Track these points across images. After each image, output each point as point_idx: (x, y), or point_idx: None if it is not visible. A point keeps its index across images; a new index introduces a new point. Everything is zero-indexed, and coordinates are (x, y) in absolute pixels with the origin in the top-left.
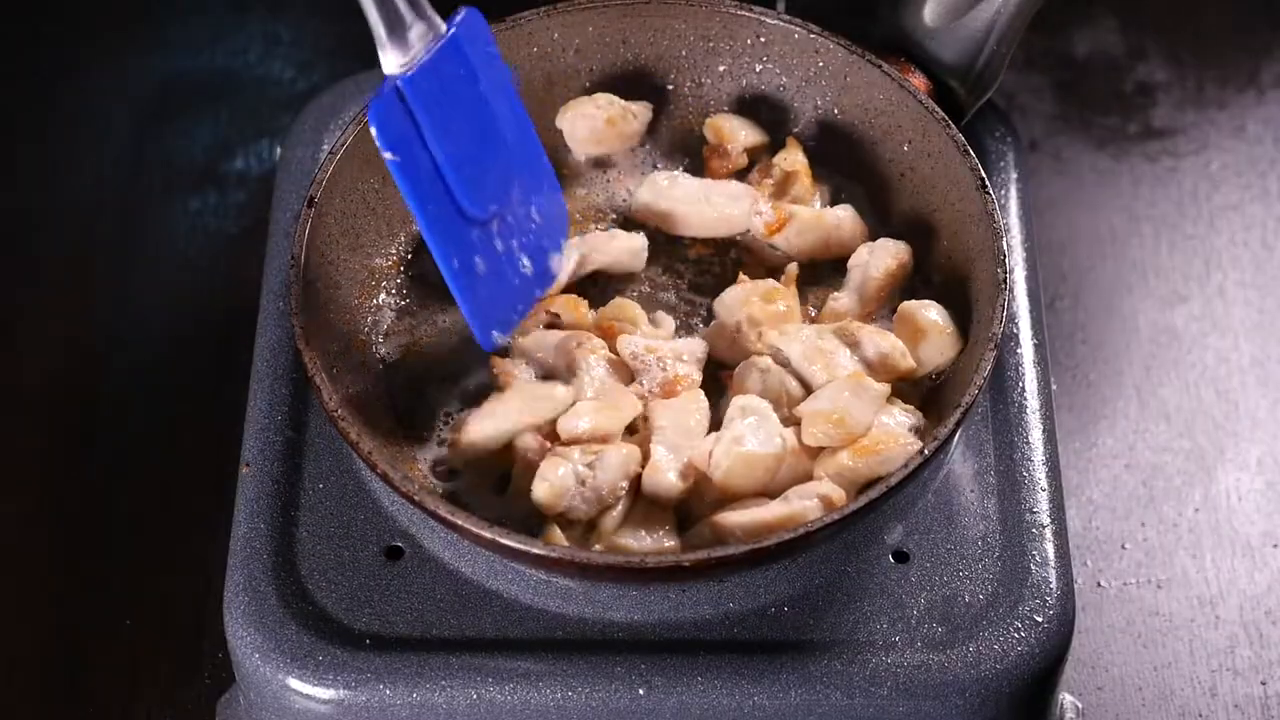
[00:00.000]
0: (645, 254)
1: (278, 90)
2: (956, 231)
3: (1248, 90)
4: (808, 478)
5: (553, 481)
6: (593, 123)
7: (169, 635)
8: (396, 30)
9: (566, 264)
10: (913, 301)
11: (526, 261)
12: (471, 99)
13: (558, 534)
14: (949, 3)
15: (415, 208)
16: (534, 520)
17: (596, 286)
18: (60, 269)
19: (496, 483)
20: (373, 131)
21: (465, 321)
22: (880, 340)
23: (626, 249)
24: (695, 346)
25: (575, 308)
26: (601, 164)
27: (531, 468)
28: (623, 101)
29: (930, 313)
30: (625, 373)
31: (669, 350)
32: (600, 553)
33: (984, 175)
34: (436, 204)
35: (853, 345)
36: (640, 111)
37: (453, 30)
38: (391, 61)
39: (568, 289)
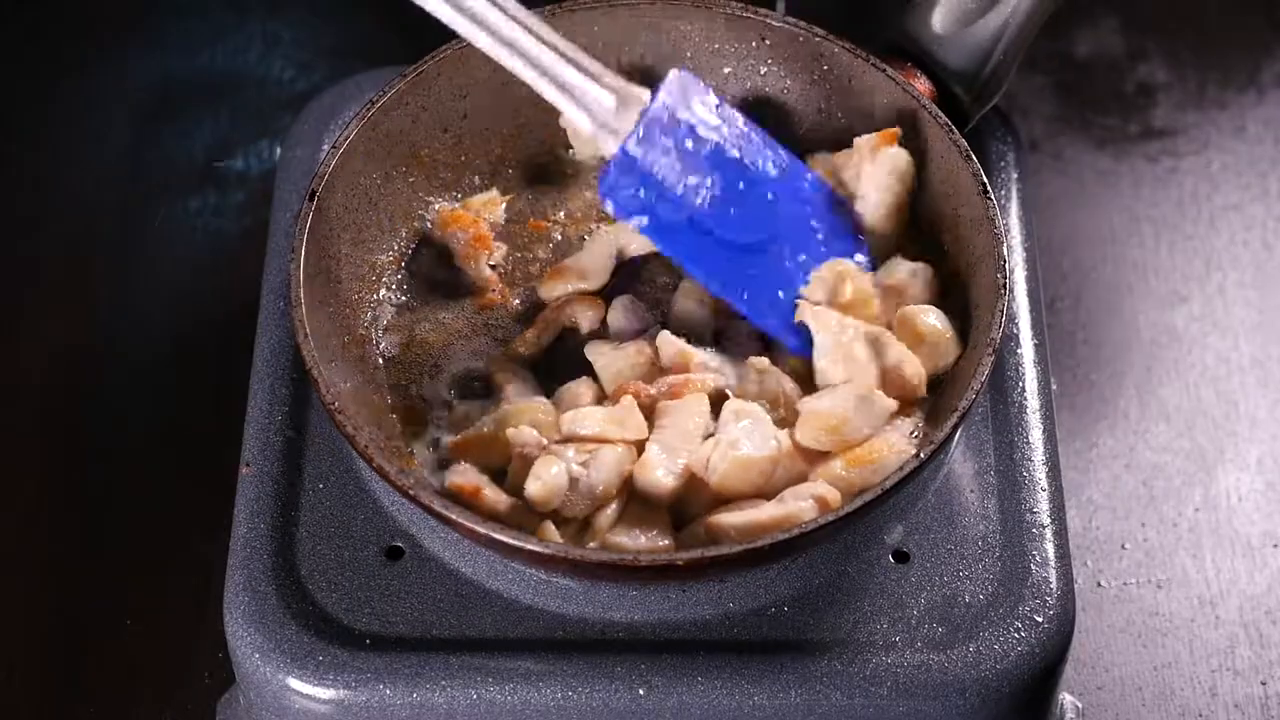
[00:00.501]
0: None
1: (278, 90)
2: (958, 235)
3: (1248, 90)
4: (803, 479)
5: (546, 480)
6: None
7: (169, 635)
8: (598, 115)
9: (607, 259)
10: (912, 307)
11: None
12: (698, 148)
13: (551, 530)
14: (959, 10)
15: (684, 260)
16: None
17: (615, 277)
18: (60, 269)
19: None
20: (608, 208)
21: (465, 318)
22: (903, 357)
23: None
24: (718, 358)
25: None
26: (605, 164)
27: (528, 463)
28: None
29: (929, 318)
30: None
31: (701, 360)
32: (595, 550)
33: (986, 181)
34: (701, 248)
35: (879, 351)
36: None
37: (658, 94)
38: (609, 143)
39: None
